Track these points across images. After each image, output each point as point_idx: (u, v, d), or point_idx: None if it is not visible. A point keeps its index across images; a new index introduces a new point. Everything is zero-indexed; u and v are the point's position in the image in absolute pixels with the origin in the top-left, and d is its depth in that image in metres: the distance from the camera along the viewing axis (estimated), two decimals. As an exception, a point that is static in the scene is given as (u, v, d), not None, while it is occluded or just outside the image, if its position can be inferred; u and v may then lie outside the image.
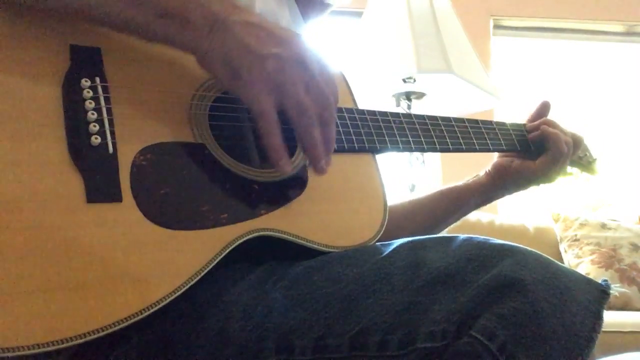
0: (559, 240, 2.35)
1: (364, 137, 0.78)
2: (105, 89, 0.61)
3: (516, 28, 3.13)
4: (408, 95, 1.77)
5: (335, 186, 0.74)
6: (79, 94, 0.60)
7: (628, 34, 3.20)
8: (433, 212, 0.96)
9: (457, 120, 0.89)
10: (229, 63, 0.59)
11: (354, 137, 0.77)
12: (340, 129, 0.76)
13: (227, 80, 0.61)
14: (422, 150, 0.87)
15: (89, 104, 0.60)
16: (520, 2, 3.05)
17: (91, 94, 0.60)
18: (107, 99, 0.61)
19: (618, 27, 3.18)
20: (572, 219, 2.37)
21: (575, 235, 2.31)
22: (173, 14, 0.59)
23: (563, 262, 2.20)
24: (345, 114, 0.78)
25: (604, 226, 2.33)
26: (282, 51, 0.60)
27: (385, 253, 0.60)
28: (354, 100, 0.84)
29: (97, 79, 0.61)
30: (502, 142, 0.92)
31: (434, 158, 2.60)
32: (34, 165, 0.55)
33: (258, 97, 0.59)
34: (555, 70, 3.13)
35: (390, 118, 0.82)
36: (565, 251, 2.30)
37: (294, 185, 0.71)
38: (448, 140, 0.86)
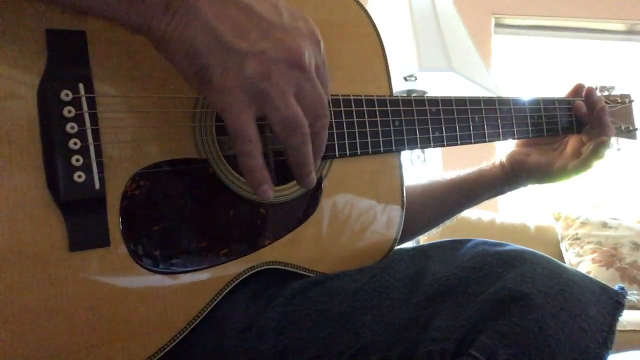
0: (559, 239, 2.35)
1: (392, 138, 0.69)
2: (91, 103, 0.50)
3: (517, 26, 3.12)
4: (409, 94, 1.77)
5: (351, 199, 0.67)
6: (58, 113, 0.49)
7: (629, 32, 3.18)
8: (444, 203, 0.92)
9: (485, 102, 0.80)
10: (193, 58, 0.44)
11: (381, 139, 0.68)
12: (368, 129, 0.67)
13: (192, 80, 0.46)
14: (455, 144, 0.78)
15: (71, 129, 0.49)
16: (521, 1, 3.04)
17: (73, 112, 0.49)
18: (93, 117, 0.50)
19: (619, 26, 3.17)
20: (573, 218, 2.36)
21: (576, 234, 2.30)
22: None
23: (564, 261, 2.20)
24: (376, 109, 0.68)
25: (605, 225, 2.33)
26: (270, 46, 0.45)
27: (386, 263, 0.59)
28: (388, 78, 0.71)
29: (81, 87, 0.50)
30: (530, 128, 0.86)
31: (435, 157, 2.60)
32: (8, 208, 0.47)
33: (233, 109, 0.45)
34: (556, 68, 3.12)
35: (427, 108, 0.72)
36: (566, 250, 2.30)
37: (306, 204, 0.64)
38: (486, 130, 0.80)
